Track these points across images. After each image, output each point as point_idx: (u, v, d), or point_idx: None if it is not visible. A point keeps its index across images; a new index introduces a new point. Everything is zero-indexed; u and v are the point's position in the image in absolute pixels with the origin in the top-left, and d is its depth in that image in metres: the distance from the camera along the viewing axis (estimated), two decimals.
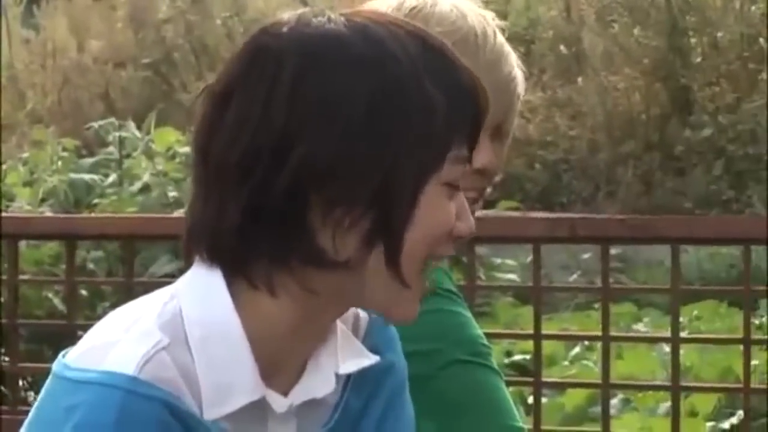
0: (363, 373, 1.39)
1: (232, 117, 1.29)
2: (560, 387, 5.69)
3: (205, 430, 1.27)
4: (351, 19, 1.33)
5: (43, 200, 8.38)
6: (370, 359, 1.39)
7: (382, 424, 1.42)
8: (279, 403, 1.32)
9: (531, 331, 3.45)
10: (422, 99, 1.30)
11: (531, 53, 13.05)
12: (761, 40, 12.43)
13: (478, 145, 1.79)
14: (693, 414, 5.43)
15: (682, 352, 3.42)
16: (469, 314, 1.73)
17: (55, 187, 8.45)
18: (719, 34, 12.55)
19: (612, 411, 3.65)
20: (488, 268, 7.87)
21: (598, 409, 5.76)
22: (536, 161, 12.41)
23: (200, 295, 1.31)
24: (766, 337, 5.56)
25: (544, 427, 3.43)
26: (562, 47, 13.01)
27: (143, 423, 1.23)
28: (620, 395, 5.77)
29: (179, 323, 1.29)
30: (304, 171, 1.25)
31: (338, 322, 1.37)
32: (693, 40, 12.65)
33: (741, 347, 3.35)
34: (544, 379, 3.70)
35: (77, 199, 8.35)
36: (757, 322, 5.90)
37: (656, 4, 12.59)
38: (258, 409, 1.31)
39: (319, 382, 1.36)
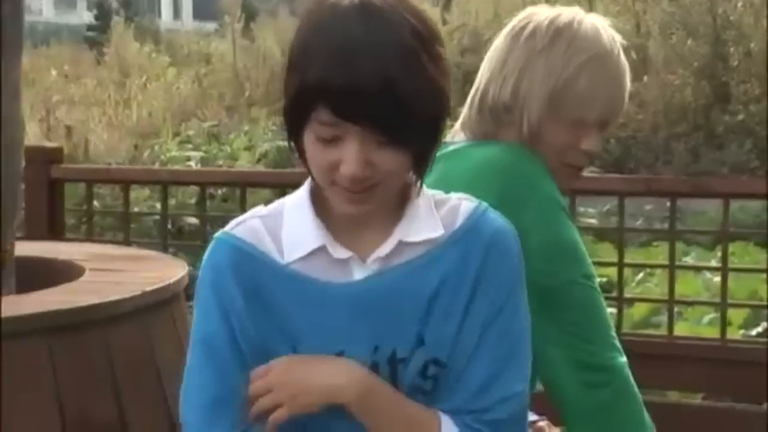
0: (455, 240, 1.40)
1: None
2: (632, 302, 5.58)
3: (274, 271, 1.38)
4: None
5: (258, 160, 8.49)
6: (436, 233, 1.39)
7: (479, 276, 1.39)
8: (338, 251, 1.38)
9: (615, 260, 3.38)
10: (300, 72, 1.29)
11: None
12: None
13: (588, 133, 1.75)
14: (729, 324, 5.29)
15: (717, 279, 3.32)
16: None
17: (267, 151, 8.55)
18: (752, 45, 12.20)
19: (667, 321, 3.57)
20: (574, 215, 7.78)
21: (657, 319, 5.66)
22: (611, 137, 12.21)
23: (297, 192, 1.43)
24: None
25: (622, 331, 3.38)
26: (632, 53, 12.73)
27: (221, 258, 1.38)
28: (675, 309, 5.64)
29: (282, 205, 1.43)
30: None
31: (421, 206, 1.40)
32: (731, 49, 12.33)
33: (765, 275, 3.25)
34: (625, 296, 3.62)
35: (282, 160, 8.45)
36: None
37: (704, 21, 12.27)
38: (326, 257, 1.38)
39: (385, 245, 1.38)
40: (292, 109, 1.32)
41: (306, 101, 1.29)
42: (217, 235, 1.42)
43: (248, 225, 1.41)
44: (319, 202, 1.40)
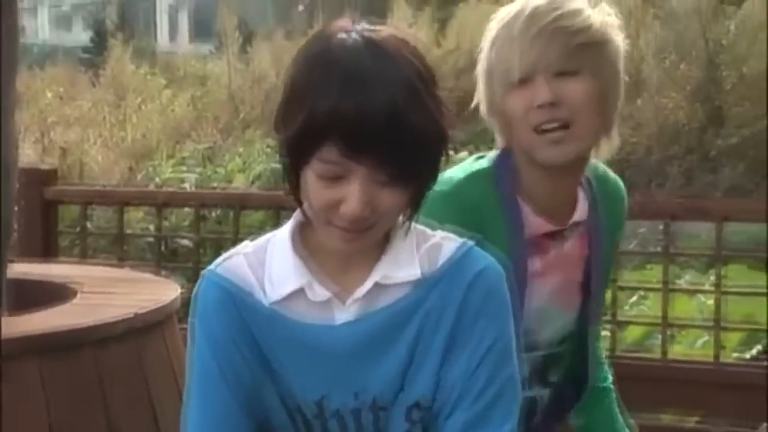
0: (435, 281, 1.36)
1: None
2: (626, 324, 5.56)
3: (257, 310, 1.36)
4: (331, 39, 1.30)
5: (252, 182, 8.49)
6: (410, 276, 1.36)
7: (459, 317, 1.35)
8: (317, 294, 1.36)
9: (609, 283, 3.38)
10: (308, 103, 1.26)
11: None
12: None
13: (535, 86, 1.74)
14: (722, 347, 5.29)
15: (711, 302, 3.33)
16: None
17: (261, 173, 8.55)
18: (744, 69, 12.24)
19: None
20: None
21: (650, 342, 5.63)
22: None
23: (283, 228, 1.40)
24: None
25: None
26: (626, 76, 12.76)
27: (207, 297, 1.38)
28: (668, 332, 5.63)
29: (267, 241, 1.40)
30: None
31: (401, 245, 1.37)
32: (725, 73, 12.38)
33: (762, 298, 3.25)
34: (619, 319, 3.61)
35: (276, 182, 8.44)
36: None
37: (697, 45, 12.32)
38: (306, 298, 1.36)
39: (362, 286, 1.35)
40: (297, 143, 1.28)
41: (314, 135, 1.26)
42: (204, 272, 1.41)
43: (233, 262, 1.40)
44: (304, 238, 1.38)
